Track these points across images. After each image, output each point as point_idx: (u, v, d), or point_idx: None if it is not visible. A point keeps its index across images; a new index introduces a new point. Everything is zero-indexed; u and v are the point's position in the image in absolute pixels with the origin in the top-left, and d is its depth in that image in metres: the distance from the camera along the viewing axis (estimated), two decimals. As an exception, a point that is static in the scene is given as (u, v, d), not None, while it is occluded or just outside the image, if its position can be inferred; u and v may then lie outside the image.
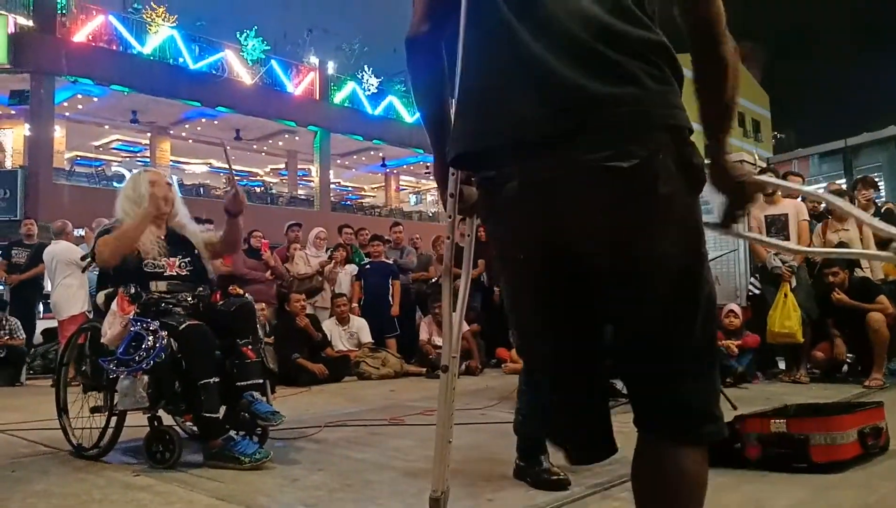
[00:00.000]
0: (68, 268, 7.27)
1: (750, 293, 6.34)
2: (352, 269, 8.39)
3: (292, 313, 6.97)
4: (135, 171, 4.13)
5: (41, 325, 8.91)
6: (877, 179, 7.60)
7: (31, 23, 17.56)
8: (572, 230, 1.18)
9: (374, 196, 31.25)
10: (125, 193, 3.62)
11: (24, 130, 17.93)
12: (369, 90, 25.20)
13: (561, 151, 1.15)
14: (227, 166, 3.88)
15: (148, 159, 22.18)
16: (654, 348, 1.19)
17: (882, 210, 7.02)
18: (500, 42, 1.22)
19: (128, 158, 23.69)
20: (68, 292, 7.29)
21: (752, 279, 6.34)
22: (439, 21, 1.38)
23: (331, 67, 24.60)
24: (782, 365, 6.26)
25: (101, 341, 3.27)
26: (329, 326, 7.44)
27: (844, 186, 8.01)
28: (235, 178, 3.88)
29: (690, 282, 1.18)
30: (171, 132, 22.23)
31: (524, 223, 1.23)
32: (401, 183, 30.67)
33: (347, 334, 7.45)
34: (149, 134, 22.11)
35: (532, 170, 1.19)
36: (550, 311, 1.27)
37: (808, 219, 6.26)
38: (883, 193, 7.95)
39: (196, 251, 3.60)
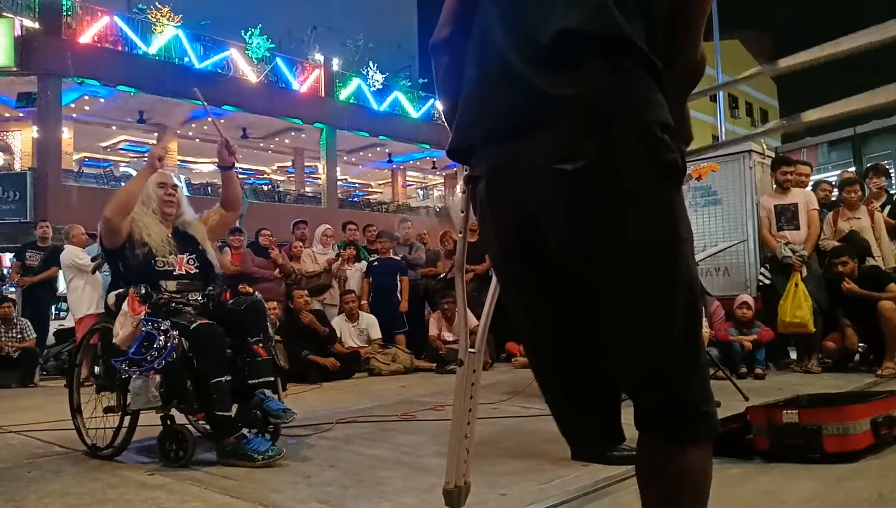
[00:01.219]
0: (71, 271, 7.42)
1: (760, 284, 6.31)
2: (361, 266, 8.40)
3: (297, 310, 7.01)
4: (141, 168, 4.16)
5: (54, 326, 8.98)
6: (888, 167, 7.54)
7: (37, 25, 17.62)
8: (535, 229, 1.19)
9: (380, 192, 31.26)
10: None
11: (33, 132, 18.01)
12: (374, 86, 25.19)
13: (518, 152, 1.17)
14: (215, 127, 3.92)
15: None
16: (630, 346, 1.18)
17: (894, 198, 6.96)
18: (482, 41, 1.27)
19: (136, 159, 23.76)
20: (75, 294, 7.40)
21: (763, 269, 6.31)
22: (463, 24, 1.40)
23: (336, 64, 24.59)
24: (794, 355, 6.23)
25: (113, 341, 3.29)
26: (338, 322, 7.47)
27: (854, 174, 7.94)
28: (219, 121, 3.94)
29: (661, 282, 1.15)
30: (179, 132, 22.29)
31: (495, 221, 1.26)
32: (407, 179, 30.65)
33: (357, 330, 7.47)
34: (156, 134, 22.17)
35: (495, 171, 1.23)
36: (538, 305, 1.27)
37: (819, 208, 6.23)
38: (894, 180, 7.86)
39: (201, 247, 3.63)
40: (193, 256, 3.57)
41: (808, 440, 2.75)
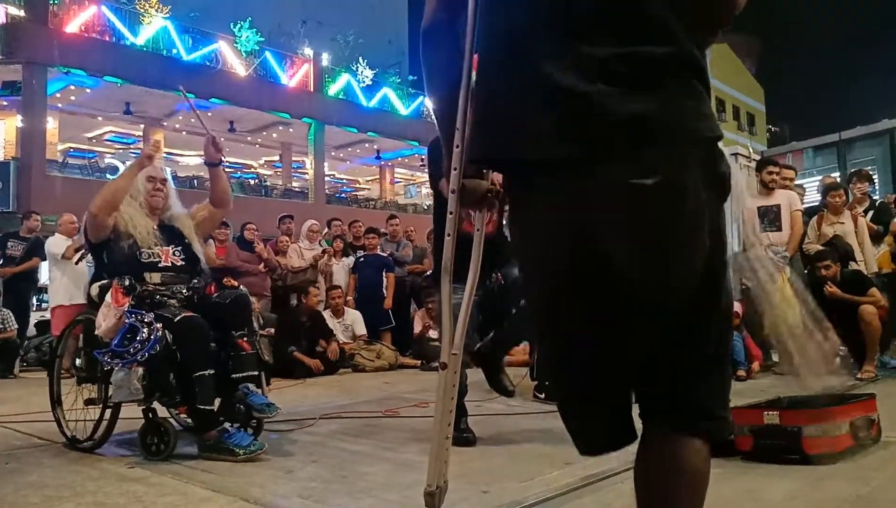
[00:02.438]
0: (51, 260, 7.50)
1: (743, 287, 6.35)
2: (348, 261, 8.38)
3: (302, 307, 6.98)
4: (129, 162, 4.14)
5: (35, 317, 8.91)
6: (871, 173, 7.63)
7: (22, 13, 17.42)
8: (599, 243, 1.19)
9: (368, 189, 31.20)
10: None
11: (17, 121, 17.80)
12: (364, 82, 25.13)
13: (586, 169, 1.15)
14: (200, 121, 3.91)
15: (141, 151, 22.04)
16: (671, 351, 1.21)
17: (876, 203, 7.05)
18: (513, 48, 1.22)
19: (121, 150, 23.57)
20: (52, 284, 7.50)
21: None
22: (455, 10, 1.37)
23: (325, 59, 24.50)
24: (775, 358, 6.28)
25: (96, 333, 3.26)
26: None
27: (838, 179, 8.03)
28: (205, 114, 3.94)
29: (713, 292, 1.21)
30: (165, 124, 22.12)
31: (553, 233, 1.23)
32: (396, 175, 30.61)
33: (342, 326, 7.46)
34: (142, 126, 22.00)
35: (559, 186, 1.19)
36: (573, 311, 1.26)
37: (801, 209, 6.27)
38: (877, 186, 7.97)
39: (187, 240, 3.61)
40: (179, 248, 3.55)
41: (789, 442, 2.77)
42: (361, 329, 7.51)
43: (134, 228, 3.44)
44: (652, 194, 1.12)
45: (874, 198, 7.16)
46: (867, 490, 2.42)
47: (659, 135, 1.13)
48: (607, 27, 1.15)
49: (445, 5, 1.39)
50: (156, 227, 3.55)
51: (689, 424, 1.21)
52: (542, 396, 4.58)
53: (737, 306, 5.98)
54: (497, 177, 1.42)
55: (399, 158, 28.58)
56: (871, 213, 6.83)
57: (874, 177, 7.90)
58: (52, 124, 19.03)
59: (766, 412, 2.88)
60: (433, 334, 7.48)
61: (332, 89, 24.14)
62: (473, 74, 1.35)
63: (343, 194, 29.28)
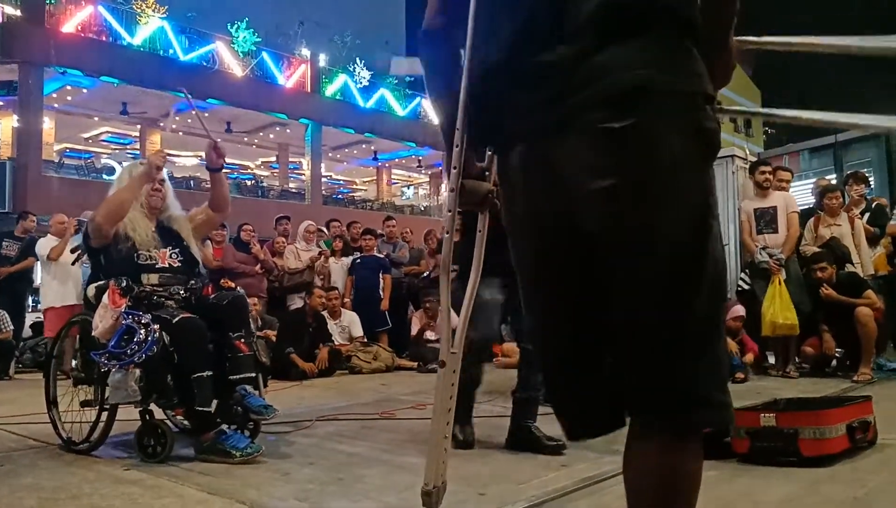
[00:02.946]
0: (42, 261, 7.52)
1: (739, 289, 6.37)
2: (345, 262, 8.38)
3: (307, 308, 7.01)
4: (127, 163, 4.13)
5: (31, 318, 8.88)
6: (867, 175, 7.66)
7: (19, 13, 17.38)
8: (572, 197, 1.17)
9: (365, 190, 31.18)
10: (120, 182, 3.63)
11: (13, 121, 17.77)
12: (361, 83, 25.12)
13: (560, 116, 1.15)
14: (202, 127, 3.90)
15: (138, 152, 22.04)
16: (649, 324, 1.14)
17: (873, 206, 7.07)
18: (496, 28, 1.25)
19: (117, 151, 23.54)
20: (43, 286, 7.52)
21: (743, 275, 6.37)
22: (454, 13, 1.38)
23: (322, 60, 24.50)
24: (772, 359, 6.30)
25: (93, 334, 3.25)
26: (321, 319, 7.45)
27: (834, 182, 8.06)
28: (204, 115, 3.95)
29: (691, 257, 1.13)
30: (162, 124, 22.09)
31: (529, 187, 1.23)
32: (392, 177, 30.60)
33: (339, 328, 7.45)
34: (139, 126, 21.97)
35: (533, 141, 1.20)
36: (557, 280, 1.25)
37: (798, 211, 6.29)
38: (873, 188, 8.00)
39: (185, 243, 3.61)
40: (177, 250, 3.55)
41: (785, 444, 2.78)
42: (358, 331, 7.50)
43: (133, 230, 3.44)
44: (621, 138, 1.10)
45: (870, 200, 7.17)
46: (863, 492, 2.42)
47: (627, 82, 1.11)
48: None
49: (444, 8, 1.40)
50: (154, 229, 3.54)
51: (681, 414, 1.13)
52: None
53: (740, 310, 6.00)
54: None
55: (396, 159, 28.57)
56: (867, 215, 6.85)
57: (870, 179, 7.91)
58: (48, 124, 19.01)
59: (762, 414, 2.88)
60: (430, 335, 7.48)
61: (330, 90, 24.13)
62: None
63: (340, 196, 29.26)
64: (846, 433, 2.86)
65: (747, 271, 6.30)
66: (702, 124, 1.14)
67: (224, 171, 3.86)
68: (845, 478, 2.60)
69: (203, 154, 3.78)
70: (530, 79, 1.18)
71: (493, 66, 1.26)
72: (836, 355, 6.03)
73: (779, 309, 5.75)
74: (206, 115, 21.28)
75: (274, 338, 6.79)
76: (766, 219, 6.18)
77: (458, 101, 1.36)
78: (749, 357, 5.80)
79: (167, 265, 3.47)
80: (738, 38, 1.45)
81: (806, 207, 6.99)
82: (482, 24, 1.30)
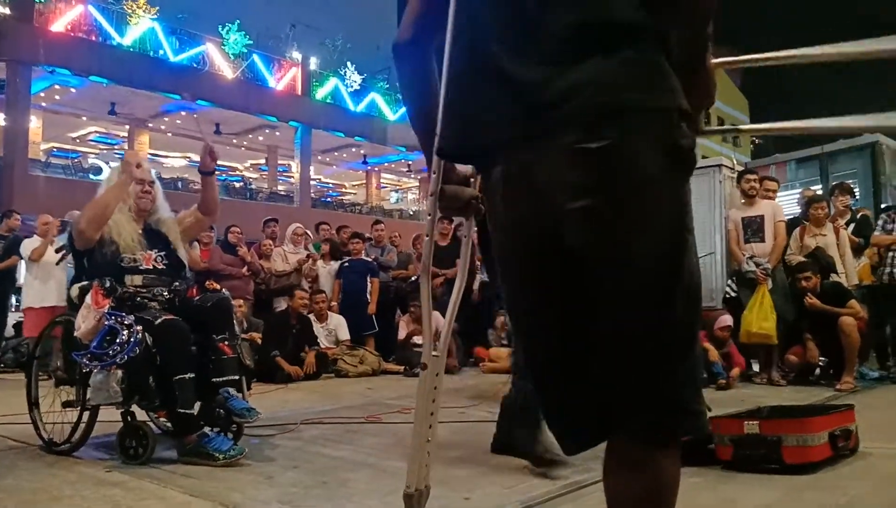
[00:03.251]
0: (26, 261, 7.49)
1: (727, 296, 6.41)
2: (334, 266, 8.37)
3: (291, 310, 6.97)
4: (115, 164, 4.11)
5: (13, 318, 8.80)
6: (852, 186, 7.74)
7: (8, 11, 17.27)
8: (552, 212, 1.18)
9: (354, 193, 31.15)
10: (108, 183, 3.62)
11: (0, 119, 17.63)
12: (352, 87, 25.14)
13: (536, 141, 1.17)
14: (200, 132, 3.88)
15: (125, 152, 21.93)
16: (628, 339, 1.16)
17: (858, 216, 7.14)
18: (473, 43, 1.26)
19: (105, 151, 23.40)
20: (25, 286, 7.53)
21: (730, 282, 6.41)
22: (426, 27, 1.40)
23: (313, 63, 24.49)
24: (756, 368, 6.33)
25: (75, 334, 3.22)
26: (307, 323, 7.42)
27: (820, 192, 8.14)
28: (189, 113, 3.96)
29: (668, 271, 1.15)
30: (150, 125, 22.00)
31: (511, 208, 1.24)
32: (382, 181, 30.58)
33: (326, 331, 7.43)
34: (127, 126, 21.86)
35: (512, 159, 1.21)
36: (543, 291, 1.25)
37: (785, 220, 6.34)
38: (858, 199, 8.08)
39: (172, 246, 3.59)
40: (163, 253, 3.52)
41: (769, 451, 2.79)
42: (345, 334, 7.48)
43: (119, 235, 3.41)
44: (597, 158, 1.11)
45: (855, 211, 7.25)
46: (845, 500, 2.44)
47: (598, 102, 1.12)
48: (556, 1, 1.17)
49: (416, 23, 1.42)
50: (141, 232, 3.52)
51: (662, 425, 1.15)
52: (525, 403, 4.57)
53: (728, 319, 6.04)
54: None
55: (386, 164, 28.58)
56: (852, 226, 6.92)
57: (855, 190, 8.00)
58: (35, 123, 18.88)
59: (746, 422, 2.89)
60: (417, 339, 7.47)
61: (320, 93, 24.13)
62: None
63: (329, 199, 29.21)
64: (829, 442, 2.87)
65: (734, 278, 6.34)
66: (676, 141, 1.15)
67: (202, 121, 3.85)
68: (827, 486, 2.61)
69: (191, 155, 3.77)
70: (507, 92, 1.19)
71: (470, 77, 1.27)
72: (820, 363, 6.07)
73: (755, 318, 5.79)
74: (196, 116, 21.29)
75: (259, 341, 6.75)
76: (752, 228, 6.23)
77: (430, 113, 1.38)
78: (735, 372, 5.84)
79: (151, 267, 3.45)
80: (719, 60, 1.47)
81: (791, 216, 7.05)
82: (459, 35, 1.31)
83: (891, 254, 6.07)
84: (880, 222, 6.39)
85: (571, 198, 1.14)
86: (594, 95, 1.12)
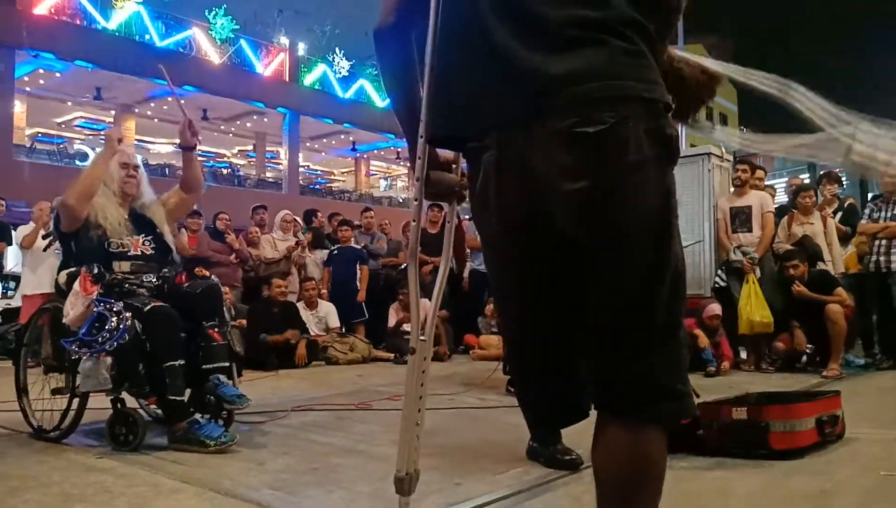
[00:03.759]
0: (21, 250, 7.42)
1: (716, 285, 6.44)
2: (320, 256, 8.34)
3: (270, 298, 6.94)
4: (100, 149, 4.07)
5: (0, 305, 8.74)
6: (840, 175, 7.80)
7: (-10, -7, 17.02)
8: (545, 195, 1.21)
9: (343, 180, 31.03)
10: (90, 168, 3.59)
11: (-17, 104, 17.41)
12: (340, 73, 24.97)
13: (532, 124, 1.20)
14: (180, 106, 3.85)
15: (112, 138, 21.70)
16: (617, 320, 1.20)
17: (845, 205, 7.19)
18: (469, 28, 1.27)
19: (91, 136, 23.16)
20: (23, 274, 7.44)
21: (719, 272, 6.45)
22: (407, 13, 1.40)
23: (301, 49, 24.31)
24: (744, 355, 6.39)
25: (63, 321, 3.20)
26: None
27: (808, 181, 8.20)
28: (181, 101, 3.94)
29: (656, 255, 1.19)
30: (136, 110, 21.78)
31: (502, 191, 1.26)
32: (371, 168, 30.48)
33: (315, 318, 7.42)
34: (113, 112, 21.64)
35: (506, 142, 1.23)
36: (530, 275, 1.29)
37: (773, 211, 6.38)
38: (845, 188, 8.15)
39: (158, 230, 3.56)
40: (150, 237, 3.51)
41: (756, 437, 2.81)
42: (335, 322, 7.47)
43: (105, 218, 3.39)
44: (594, 142, 1.15)
45: (842, 199, 7.30)
46: (831, 484, 2.47)
47: (598, 89, 1.16)
48: None
49: (398, 7, 1.42)
50: (127, 217, 3.50)
51: (648, 408, 1.19)
52: (515, 390, 4.60)
53: (717, 308, 6.08)
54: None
55: (375, 151, 28.47)
56: (839, 214, 6.97)
57: (843, 179, 8.07)
58: (19, 108, 18.65)
59: (734, 408, 2.92)
60: (407, 327, 7.47)
61: (308, 79, 23.96)
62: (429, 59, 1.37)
63: (317, 186, 29.08)
64: (815, 427, 2.91)
65: (723, 268, 6.37)
66: (665, 130, 1.20)
67: (200, 159, 3.82)
68: (814, 471, 2.65)
69: (178, 141, 3.72)
70: (503, 76, 1.21)
71: (463, 62, 1.28)
72: (807, 351, 6.13)
73: (755, 307, 5.83)
74: (183, 102, 21.05)
75: (245, 325, 6.74)
76: (741, 218, 6.27)
77: (413, 98, 1.40)
78: (725, 365, 5.89)
79: (140, 253, 3.43)
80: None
81: (779, 204, 7.09)
82: (449, 19, 1.32)
83: (877, 242, 6.12)
84: (867, 211, 6.45)
85: (566, 181, 1.18)
86: (590, 81, 1.16)
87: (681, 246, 1.25)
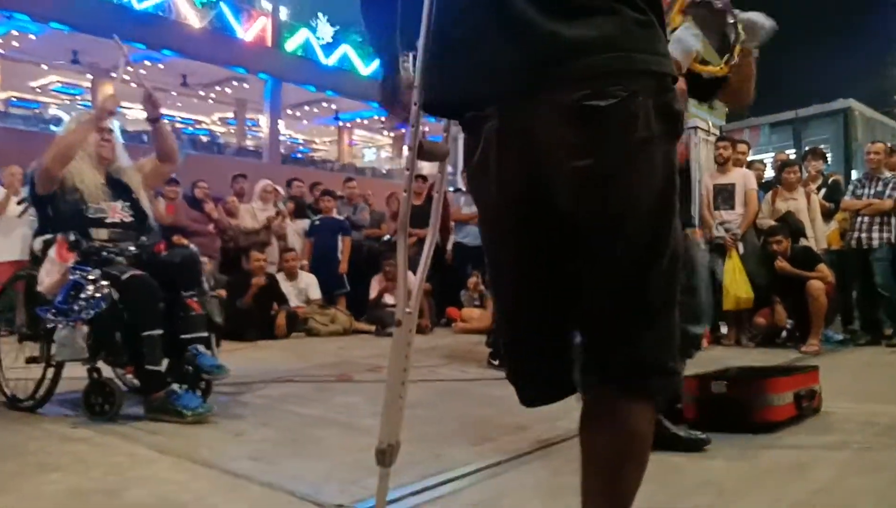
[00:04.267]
0: None
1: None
2: (302, 225, 8.26)
3: (250, 272, 6.89)
4: (75, 113, 3.98)
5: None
6: (825, 151, 7.85)
7: (-40, -50, 16.49)
8: (548, 169, 1.18)
9: (325, 150, 30.74)
10: (67, 130, 3.51)
11: (-46, 66, 16.98)
12: (323, 39, 24.55)
13: (539, 95, 1.15)
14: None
15: (90, 103, 21.30)
16: (614, 299, 1.18)
17: (829, 181, 7.24)
18: None
19: (68, 101, 22.70)
20: None
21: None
22: None
23: (283, 13, 23.84)
24: (724, 330, 6.45)
25: (38, 289, 3.14)
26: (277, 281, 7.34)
27: (793, 157, 8.23)
28: (136, 66, 3.88)
29: (657, 231, 1.18)
30: (114, 75, 21.32)
31: (503, 162, 1.23)
32: (354, 137, 30.20)
33: (296, 290, 7.36)
34: (90, 76, 21.18)
35: (511, 112, 1.19)
36: (527, 250, 1.27)
37: (755, 188, 6.39)
38: (830, 164, 8.19)
39: (135, 195, 3.50)
40: (128, 204, 3.44)
41: (735, 411, 2.84)
42: (316, 293, 7.43)
43: (81, 182, 3.32)
44: (602, 117, 1.12)
45: (826, 176, 7.34)
46: (808, 457, 2.50)
47: (611, 60, 1.13)
48: None
49: None
50: (104, 181, 3.42)
51: (639, 382, 1.19)
52: (497, 363, 4.61)
53: None
54: None
55: (358, 120, 28.15)
56: (823, 190, 7.01)
57: (828, 156, 8.11)
58: (-8, 71, 18.21)
59: (713, 382, 2.94)
60: (388, 299, 7.45)
61: (290, 45, 23.51)
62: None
63: (299, 155, 28.79)
64: (793, 402, 2.94)
65: (707, 246, 6.39)
66: (671, 106, 1.18)
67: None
68: (791, 444, 2.68)
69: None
70: (509, 43, 1.16)
71: (466, 26, 1.22)
72: (787, 326, 6.20)
73: (741, 283, 5.87)
74: (162, 66, 20.66)
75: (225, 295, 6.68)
76: (723, 195, 6.28)
77: (393, 59, 1.38)
78: (704, 343, 5.92)
79: (119, 221, 3.37)
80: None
81: (767, 180, 7.11)
82: None
83: (859, 219, 6.17)
84: (850, 188, 6.49)
85: (572, 157, 1.15)
86: (603, 52, 1.12)
87: (680, 223, 1.23)
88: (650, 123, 1.14)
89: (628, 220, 1.16)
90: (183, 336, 3.17)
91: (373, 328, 7.22)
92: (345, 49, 24.67)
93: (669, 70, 1.19)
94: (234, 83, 23.24)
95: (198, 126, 26.39)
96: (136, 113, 23.42)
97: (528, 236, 1.25)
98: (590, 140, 1.13)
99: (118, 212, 3.38)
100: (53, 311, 3.01)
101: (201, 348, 3.18)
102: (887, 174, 6.21)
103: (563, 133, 1.14)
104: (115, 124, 3.62)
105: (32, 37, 18.63)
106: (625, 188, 1.15)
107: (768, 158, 8.68)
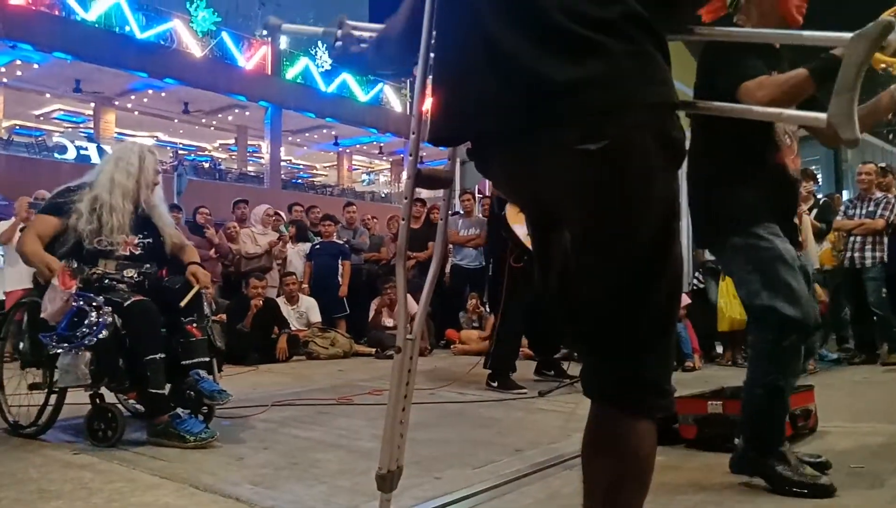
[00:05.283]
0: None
1: (694, 288, 6.51)
2: (303, 248, 8.31)
3: (248, 297, 6.94)
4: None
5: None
6: (816, 172, 7.92)
7: (-35, -17, 16.72)
8: (548, 203, 1.24)
9: (325, 175, 30.88)
10: (119, 161, 3.51)
11: (-42, 95, 17.13)
12: (323, 67, 24.79)
13: (533, 135, 1.18)
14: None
15: (91, 131, 21.47)
16: (614, 317, 1.21)
17: (820, 202, 7.29)
18: (465, 23, 1.26)
19: (70, 129, 22.86)
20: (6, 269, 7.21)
21: (697, 274, 6.51)
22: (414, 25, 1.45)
23: (283, 42, 24.09)
24: (720, 349, 6.46)
25: (41, 316, 3.17)
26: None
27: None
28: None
29: (657, 258, 1.20)
30: (117, 103, 21.51)
31: (509, 190, 1.34)
32: (353, 163, 30.36)
33: (297, 313, 7.39)
34: (92, 104, 21.36)
35: (508, 153, 1.24)
36: (543, 253, 1.35)
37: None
38: (820, 185, 8.26)
39: (161, 237, 3.52)
40: (148, 240, 3.45)
41: (732, 430, 2.85)
42: (316, 317, 7.45)
43: (109, 212, 3.31)
44: (596, 159, 1.13)
45: (818, 197, 7.40)
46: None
47: (601, 99, 1.14)
48: None
49: (407, 17, 1.48)
50: (132, 212, 3.43)
51: (638, 401, 1.21)
52: (495, 385, 4.63)
53: (686, 299, 6.13)
54: None
55: (357, 145, 28.33)
56: (815, 211, 7.07)
57: (819, 177, 8.19)
58: (-4, 100, 18.36)
59: (710, 402, 2.96)
60: (388, 322, 7.48)
61: (290, 73, 23.75)
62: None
63: (299, 180, 28.92)
64: (789, 421, 2.95)
65: (701, 269, 6.44)
66: (669, 135, 1.18)
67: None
68: (786, 464, 2.68)
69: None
70: (507, 80, 1.19)
71: (467, 63, 1.26)
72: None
73: (735, 305, 5.89)
74: (164, 94, 20.82)
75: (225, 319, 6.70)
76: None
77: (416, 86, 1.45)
78: (697, 360, 5.95)
79: (128, 253, 3.38)
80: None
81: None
82: (459, 21, 1.30)
83: (852, 239, 6.22)
84: (843, 208, 6.54)
85: (569, 196, 1.19)
86: (592, 90, 1.14)
87: (680, 247, 1.26)
88: (649, 156, 1.15)
89: (632, 248, 1.18)
90: (184, 362, 3.20)
91: (373, 350, 7.24)
92: (344, 77, 24.89)
93: (667, 98, 1.20)
94: (236, 110, 23.45)
95: (200, 153, 26.56)
96: (139, 140, 23.54)
97: (544, 245, 1.34)
98: (587, 180, 1.16)
99: (131, 245, 3.40)
100: (56, 337, 3.03)
101: (203, 373, 3.21)
102: (878, 194, 6.27)
103: (561, 174, 1.18)
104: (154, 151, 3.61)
105: (35, 66, 18.84)
106: (624, 221, 1.17)
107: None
